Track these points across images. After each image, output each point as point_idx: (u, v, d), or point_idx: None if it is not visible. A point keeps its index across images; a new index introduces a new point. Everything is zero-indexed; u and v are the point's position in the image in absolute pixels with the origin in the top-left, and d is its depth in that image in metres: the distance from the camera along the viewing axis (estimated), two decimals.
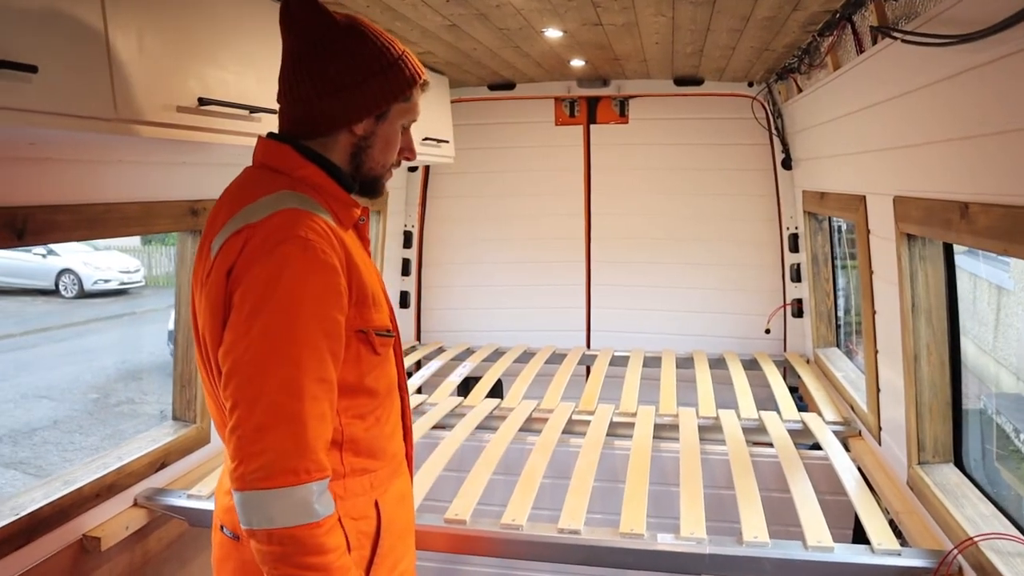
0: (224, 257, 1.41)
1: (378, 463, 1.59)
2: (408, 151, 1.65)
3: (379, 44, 1.53)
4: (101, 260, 17.01)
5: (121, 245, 18.27)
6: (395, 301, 4.82)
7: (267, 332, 1.34)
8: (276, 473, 1.30)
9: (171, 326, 11.06)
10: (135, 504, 2.51)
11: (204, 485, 2.58)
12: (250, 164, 1.62)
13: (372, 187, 1.64)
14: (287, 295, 1.35)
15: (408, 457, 1.75)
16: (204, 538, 2.72)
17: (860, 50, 2.59)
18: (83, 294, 16.36)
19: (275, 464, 1.30)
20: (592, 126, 4.76)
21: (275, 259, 1.36)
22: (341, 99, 1.51)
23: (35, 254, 15.95)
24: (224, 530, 1.58)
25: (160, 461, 2.62)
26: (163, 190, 2.46)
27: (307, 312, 1.36)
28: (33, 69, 1.38)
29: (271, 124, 2.25)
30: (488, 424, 3.39)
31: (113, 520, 2.40)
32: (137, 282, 17.73)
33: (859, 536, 2.67)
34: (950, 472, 2.44)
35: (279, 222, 1.40)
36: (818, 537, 2.24)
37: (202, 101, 1.93)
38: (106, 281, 16.79)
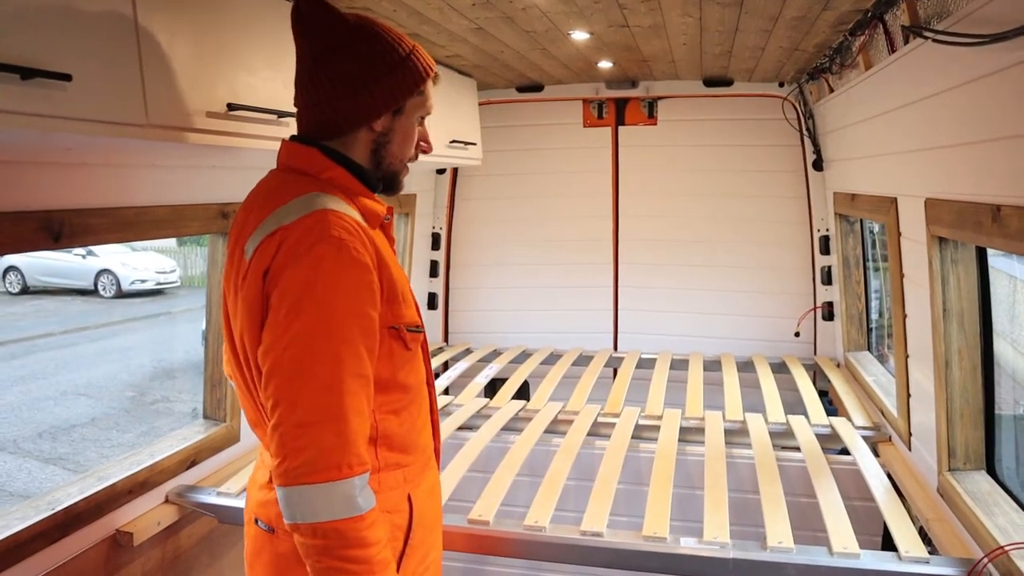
0: (259, 259, 1.44)
1: (410, 457, 1.62)
2: (424, 142, 1.70)
3: (390, 41, 1.57)
4: (138, 261, 17.32)
5: (158, 246, 18.57)
6: (423, 302, 4.86)
7: (306, 331, 1.37)
8: (320, 468, 1.33)
9: (204, 326, 11.31)
10: (167, 500, 2.56)
11: (234, 482, 2.62)
12: (275, 167, 1.65)
13: (391, 183, 1.67)
14: (324, 294, 1.39)
15: (436, 451, 1.78)
16: (234, 534, 2.77)
17: (892, 50, 2.56)
18: (121, 294, 16.66)
19: (318, 460, 1.33)
20: (620, 128, 4.75)
21: (311, 259, 1.39)
22: (358, 99, 1.54)
23: (75, 255, 16.29)
24: (259, 523, 1.60)
25: (191, 459, 2.66)
26: (193, 193, 2.51)
27: (344, 310, 1.40)
28: (67, 77, 1.42)
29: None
30: (513, 425, 3.40)
31: (145, 516, 2.45)
32: (173, 282, 18.01)
33: (887, 543, 2.64)
34: (982, 479, 2.39)
35: (312, 223, 1.43)
36: (844, 543, 2.21)
37: (231, 106, 1.96)
38: (143, 281, 17.08)
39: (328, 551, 1.34)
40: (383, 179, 1.65)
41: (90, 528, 2.25)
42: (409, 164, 1.70)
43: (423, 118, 1.67)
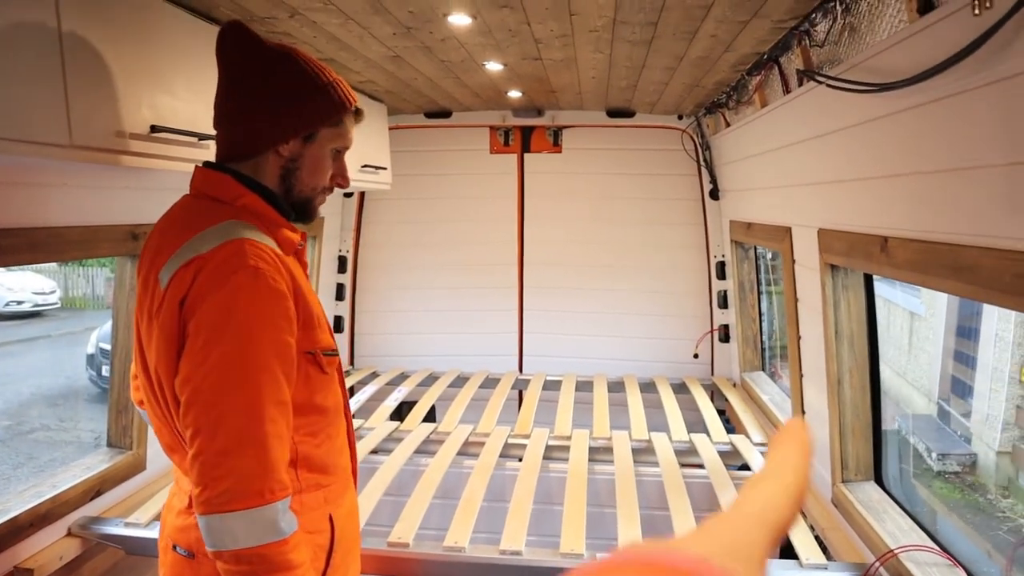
0: (175, 288, 1.44)
1: (330, 478, 1.63)
2: (341, 178, 1.70)
3: (309, 69, 1.59)
4: (14, 281, 16.32)
5: (36, 266, 17.57)
6: None
7: (224, 359, 1.38)
8: (241, 496, 1.33)
9: (90, 350, 10.76)
10: (69, 533, 2.45)
11: (141, 512, 2.53)
12: (187, 190, 1.65)
13: (304, 210, 1.68)
14: (241, 323, 1.39)
15: (353, 472, 1.80)
16: (140, 566, 2.68)
17: (787, 90, 2.75)
18: None
19: (239, 487, 1.33)
20: (526, 155, 4.86)
21: (228, 288, 1.40)
22: (268, 118, 1.56)
23: None
24: (178, 549, 1.58)
25: (96, 489, 2.56)
26: (105, 214, 2.44)
27: (262, 338, 1.41)
28: None
29: None
30: (426, 448, 3.41)
31: (47, 550, 2.34)
32: (52, 304, 17.06)
33: (787, 552, 2.79)
34: (871, 489, 2.58)
35: (229, 252, 1.43)
36: None
37: (154, 128, 1.94)
38: (19, 303, 16.11)
39: None
40: (294, 206, 1.66)
41: None
42: (326, 195, 1.71)
43: (339, 151, 1.68)
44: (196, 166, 1.64)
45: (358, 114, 1.69)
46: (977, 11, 1.31)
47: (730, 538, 0.34)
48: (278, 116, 1.56)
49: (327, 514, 1.62)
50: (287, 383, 1.45)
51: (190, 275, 1.42)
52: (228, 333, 1.38)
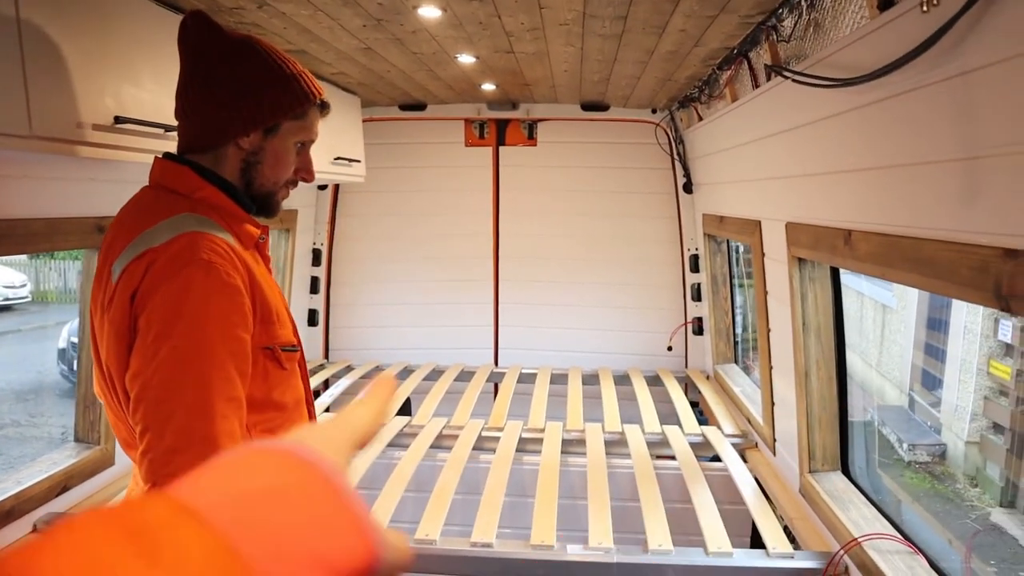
0: (127, 281, 1.40)
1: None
2: (305, 171, 1.66)
3: (272, 60, 1.56)
4: None
5: (6, 259, 17.33)
6: (303, 319, 4.80)
7: (174, 355, 1.34)
8: None
9: (61, 344, 10.64)
10: (34, 530, 2.43)
11: None
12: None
13: (265, 204, 1.64)
14: (193, 318, 1.36)
15: None
16: None
17: (755, 85, 2.77)
18: None
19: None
20: (501, 148, 4.86)
21: (179, 282, 1.37)
22: (228, 110, 1.52)
23: None
24: None
25: (61, 485, 2.54)
26: (69, 206, 2.41)
27: (213, 333, 1.37)
28: None
29: None
30: (399, 442, 3.42)
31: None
32: (23, 298, 16.80)
33: (756, 541, 2.83)
34: (837, 479, 2.61)
35: (182, 245, 1.40)
36: (718, 544, 2.36)
37: (118, 119, 1.92)
38: None
39: None
40: (255, 200, 1.62)
41: None
42: (290, 188, 1.68)
43: (304, 145, 1.64)
44: (155, 157, 1.60)
45: (324, 107, 1.65)
46: (925, 8, 1.33)
47: (329, 436, 0.47)
48: (239, 108, 1.53)
49: None
50: (241, 379, 1.41)
51: (142, 268, 1.39)
52: (179, 328, 1.35)
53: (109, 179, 2.52)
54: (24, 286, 17.01)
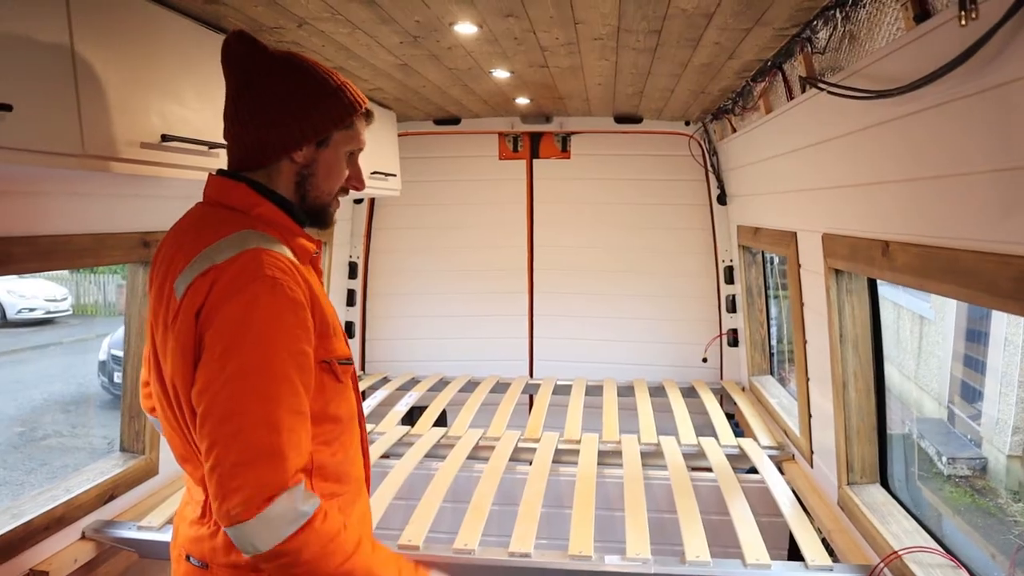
0: (191, 298, 1.43)
1: (344, 487, 1.62)
2: (356, 180, 1.69)
3: (317, 74, 1.59)
4: (26, 288, 16.43)
5: (48, 273, 17.70)
6: None
7: (242, 370, 1.37)
8: (258, 503, 1.33)
9: (102, 356, 10.85)
10: (83, 537, 2.49)
11: (154, 516, 2.57)
12: (200, 199, 1.65)
13: (320, 217, 1.67)
14: (259, 333, 1.39)
15: (367, 479, 1.79)
16: (153, 569, 2.71)
17: (790, 96, 2.77)
18: (5, 323, 15.79)
19: (256, 496, 1.33)
20: (535, 161, 4.89)
21: (245, 298, 1.39)
22: (280, 127, 1.55)
23: None
24: (191, 560, 1.58)
25: (109, 493, 2.60)
26: (114, 221, 2.48)
27: (280, 348, 1.40)
28: (8, 108, 1.43)
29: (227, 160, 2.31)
30: (436, 453, 3.44)
31: (61, 553, 2.38)
32: (64, 311, 17.15)
33: (794, 554, 2.81)
34: (876, 492, 2.59)
35: (245, 261, 1.43)
36: (756, 555, 2.35)
37: (164, 137, 1.98)
38: (31, 310, 16.20)
39: (296, 564, 1.36)
40: (309, 213, 1.64)
41: (1, 569, 2.17)
42: (340, 198, 1.71)
43: (353, 154, 1.68)
44: (210, 174, 1.64)
45: (369, 116, 1.68)
46: (963, 22, 1.33)
47: None
48: (289, 124, 1.56)
49: (342, 523, 1.59)
50: (305, 393, 1.44)
51: (206, 285, 1.42)
52: (246, 343, 1.38)
53: (154, 195, 2.59)
54: (65, 299, 17.37)
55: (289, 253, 1.54)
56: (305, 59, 1.61)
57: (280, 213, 1.59)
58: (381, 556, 1.53)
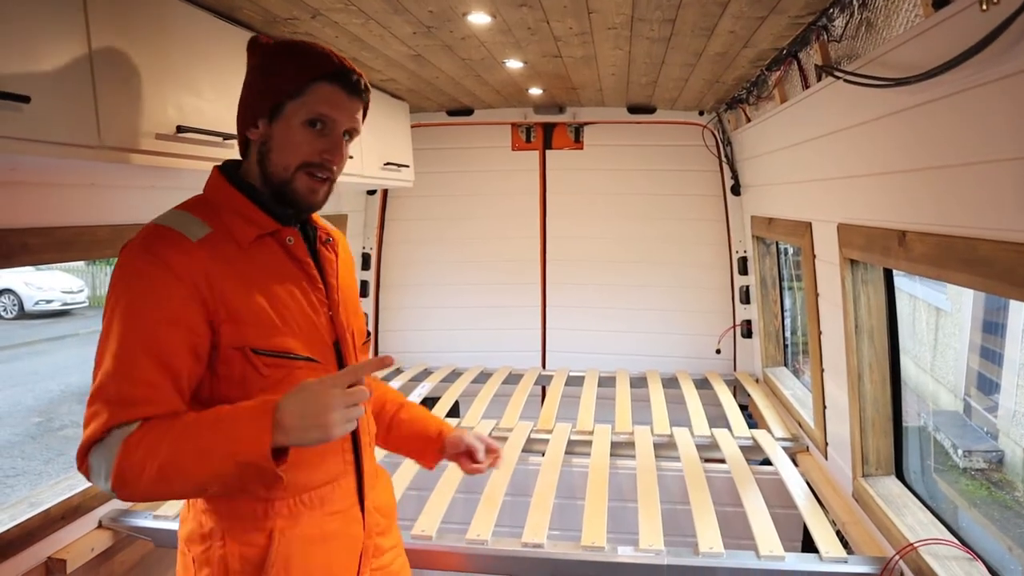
0: None
1: (274, 492, 1.51)
2: (327, 153, 1.52)
3: (273, 48, 1.55)
4: (43, 280, 16.60)
5: (64, 265, 17.86)
6: None
7: (103, 332, 1.40)
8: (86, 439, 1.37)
9: None
10: (100, 526, 2.52)
11: (169, 506, 2.59)
12: None
13: (286, 197, 1.53)
14: (116, 296, 1.40)
15: (362, 497, 1.64)
16: (169, 558, 2.72)
17: (805, 85, 2.75)
18: (23, 315, 15.94)
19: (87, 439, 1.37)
20: (548, 151, 4.88)
21: (118, 265, 1.43)
22: (240, 108, 1.56)
23: None
24: (179, 546, 1.61)
25: None
26: (132, 213, 2.49)
27: (127, 315, 1.38)
28: (26, 99, 1.44)
29: None
30: None
31: (78, 542, 2.41)
32: (80, 303, 17.33)
33: (808, 545, 2.80)
34: (892, 483, 2.58)
35: (135, 236, 1.45)
36: (770, 547, 2.35)
37: (180, 128, 1.99)
38: (48, 302, 16.39)
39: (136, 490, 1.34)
40: (275, 195, 1.54)
41: (20, 557, 2.20)
42: (318, 175, 1.53)
43: (322, 124, 1.51)
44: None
45: (339, 77, 1.51)
46: (984, 7, 1.31)
47: None
48: (245, 101, 1.55)
49: (266, 529, 1.50)
50: (148, 357, 1.36)
51: None
52: (107, 305, 1.41)
53: (170, 186, 2.59)
54: (82, 291, 17.55)
55: (200, 232, 1.46)
56: (295, 41, 1.55)
57: (231, 192, 1.53)
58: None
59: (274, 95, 1.50)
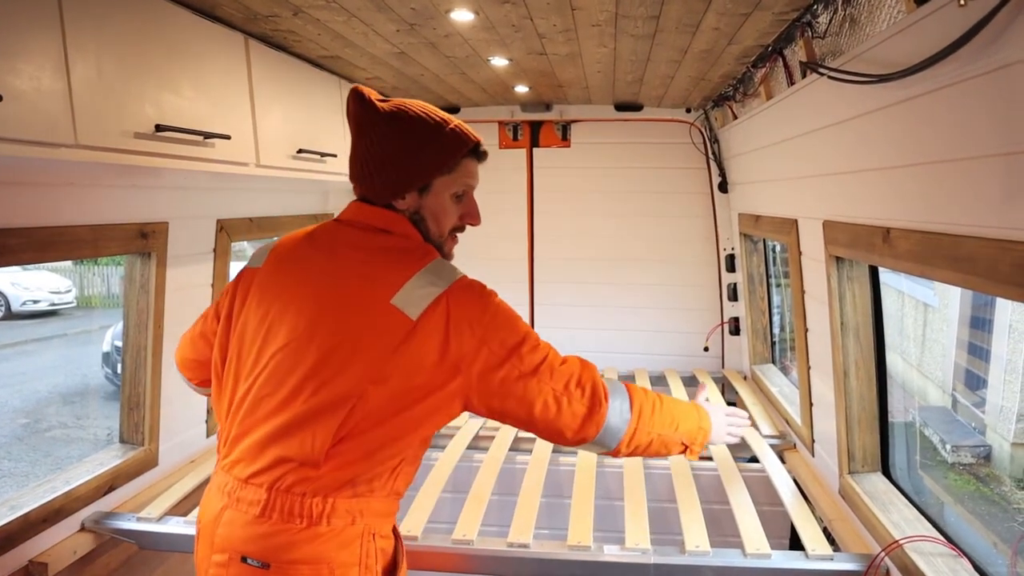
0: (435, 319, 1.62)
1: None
2: (470, 217, 1.80)
3: (416, 124, 1.65)
4: (30, 280, 16.46)
5: (51, 265, 17.74)
6: None
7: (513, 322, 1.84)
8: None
9: (106, 348, 10.85)
10: (82, 528, 2.49)
11: (153, 507, 2.57)
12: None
13: (441, 253, 1.79)
14: (501, 307, 1.79)
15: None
16: (153, 561, 2.71)
17: (791, 82, 2.74)
18: (10, 315, 15.82)
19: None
20: (535, 149, 4.86)
21: (486, 294, 1.79)
22: (381, 177, 1.66)
23: None
24: (249, 561, 1.55)
25: (108, 484, 2.60)
26: (113, 213, 2.47)
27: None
28: None
29: (224, 150, 2.30)
30: (435, 443, 3.43)
31: (60, 545, 2.38)
32: (68, 303, 17.19)
33: (795, 543, 2.80)
34: (878, 480, 2.58)
35: (469, 280, 1.75)
36: (756, 545, 2.34)
37: (159, 127, 1.96)
38: (35, 302, 16.25)
39: None
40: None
41: (1, 560, 2.17)
42: (457, 235, 1.83)
43: (465, 193, 1.75)
44: (354, 201, 1.75)
45: (478, 153, 1.74)
46: (962, 2, 1.31)
47: None
48: (389, 173, 1.66)
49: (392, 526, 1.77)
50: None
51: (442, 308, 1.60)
52: (503, 312, 1.80)
53: (150, 185, 2.57)
54: (69, 291, 17.41)
55: None
56: (410, 110, 1.67)
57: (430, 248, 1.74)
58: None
59: (428, 175, 1.68)
